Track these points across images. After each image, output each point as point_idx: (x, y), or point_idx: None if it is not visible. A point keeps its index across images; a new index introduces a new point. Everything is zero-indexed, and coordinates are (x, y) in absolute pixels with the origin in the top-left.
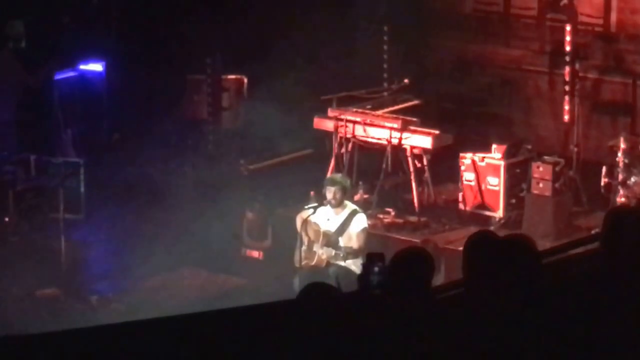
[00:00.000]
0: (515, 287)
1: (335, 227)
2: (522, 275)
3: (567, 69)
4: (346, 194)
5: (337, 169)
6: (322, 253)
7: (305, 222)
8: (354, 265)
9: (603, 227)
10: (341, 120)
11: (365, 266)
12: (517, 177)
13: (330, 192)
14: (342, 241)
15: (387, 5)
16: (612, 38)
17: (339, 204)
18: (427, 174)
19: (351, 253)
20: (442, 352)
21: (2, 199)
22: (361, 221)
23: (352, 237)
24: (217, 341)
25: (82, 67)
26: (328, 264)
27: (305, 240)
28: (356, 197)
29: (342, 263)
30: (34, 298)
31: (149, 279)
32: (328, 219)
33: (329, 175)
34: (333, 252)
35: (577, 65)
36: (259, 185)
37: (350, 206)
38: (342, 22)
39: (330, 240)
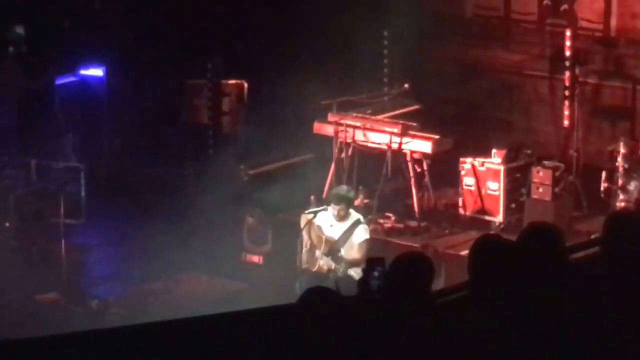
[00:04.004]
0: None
1: (338, 235)
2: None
3: (567, 73)
4: (351, 206)
5: (337, 173)
6: (322, 263)
7: (310, 223)
8: (354, 271)
9: (603, 232)
10: (341, 125)
11: (365, 271)
12: (517, 182)
13: (335, 209)
14: (344, 251)
15: (387, 10)
16: (612, 43)
17: (343, 218)
18: (427, 179)
19: (350, 265)
20: (441, 356)
21: (2, 203)
22: (363, 233)
23: (354, 247)
24: (217, 345)
25: (83, 72)
26: (329, 271)
27: (308, 243)
28: (356, 202)
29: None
30: (35, 302)
31: (149, 284)
32: (331, 225)
33: (332, 190)
34: (333, 265)
35: (577, 70)
36: (259, 190)
37: (354, 215)
38: (342, 26)
39: (332, 249)
